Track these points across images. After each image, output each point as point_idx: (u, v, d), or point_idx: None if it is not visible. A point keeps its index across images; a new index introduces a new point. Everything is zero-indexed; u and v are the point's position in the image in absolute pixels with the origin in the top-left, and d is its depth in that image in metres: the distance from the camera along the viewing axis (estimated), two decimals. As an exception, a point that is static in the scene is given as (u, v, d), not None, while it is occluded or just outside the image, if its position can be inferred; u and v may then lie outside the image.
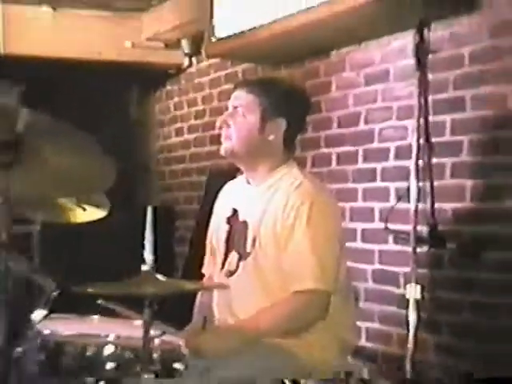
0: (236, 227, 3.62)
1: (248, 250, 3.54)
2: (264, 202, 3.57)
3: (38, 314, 3.33)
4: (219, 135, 3.69)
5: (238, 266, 3.57)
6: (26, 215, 3.90)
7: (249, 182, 3.71)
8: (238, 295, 3.55)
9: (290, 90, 3.83)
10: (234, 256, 3.59)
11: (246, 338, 3.39)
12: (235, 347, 3.35)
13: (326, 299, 3.41)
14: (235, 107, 3.62)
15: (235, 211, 3.65)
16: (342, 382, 3.30)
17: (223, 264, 3.63)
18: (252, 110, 3.60)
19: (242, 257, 3.56)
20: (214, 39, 5.37)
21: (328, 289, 3.39)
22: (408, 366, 3.47)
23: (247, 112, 3.60)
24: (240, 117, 3.60)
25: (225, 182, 3.93)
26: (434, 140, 3.63)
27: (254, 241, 3.53)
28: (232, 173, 3.85)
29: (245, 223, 3.58)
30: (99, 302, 3.28)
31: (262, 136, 3.60)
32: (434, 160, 3.65)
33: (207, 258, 3.87)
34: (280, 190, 3.55)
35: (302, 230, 3.40)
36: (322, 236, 3.44)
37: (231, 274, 3.59)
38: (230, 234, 3.64)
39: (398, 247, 4.47)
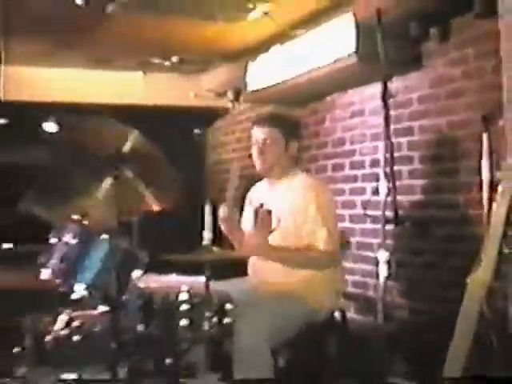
0: (262, 215, 3.56)
1: (274, 227, 3.50)
2: (281, 195, 3.54)
3: (136, 274, 3.33)
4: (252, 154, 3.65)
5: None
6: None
7: (269, 184, 3.66)
8: None
9: (295, 121, 3.79)
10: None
11: (283, 254, 3.39)
12: (274, 254, 3.38)
13: (335, 256, 3.42)
14: (265, 139, 3.51)
15: (260, 205, 3.59)
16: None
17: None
18: (278, 139, 3.53)
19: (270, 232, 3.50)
20: (248, 91, 5.33)
21: (335, 249, 3.40)
22: (380, 305, 3.49)
23: (275, 141, 3.52)
24: (270, 146, 3.51)
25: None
26: (395, 154, 3.63)
27: (278, 221, 3.49)
28: (260, 178, 3.83)
29: (269, 212, 3.54)
30: None
31: (286, 154, 3.56)
32: (396, 168, 3.62)
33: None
34: (292, 187, 3.51)
35: (313, 212, 3.36)
36: (328, 214, 3.41)
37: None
38: (258, 220, 3.58)
39: (373, 225, 4.44)
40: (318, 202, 3.39)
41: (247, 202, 3.84)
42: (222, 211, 3.62)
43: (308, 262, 3.38)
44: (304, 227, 3.39)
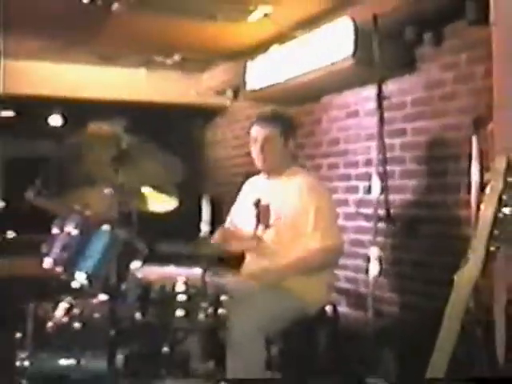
0: (262, 209, 3.56)
1: (271, 222, 3.51)
2: (281, 191, 3.54)
3: (135, 264, 3.30)
4: (250, 152, 3.67)
5: (263, 233, 3.53)
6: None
7: (268, 179, 3.66)
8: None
9: (292, 120, 3.80)
10: (261, 227, 3.55)
11: (282, 275, 3.36)
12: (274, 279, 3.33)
13: (334, 251, 3.42)
14: (266, 138, 3.53)
15: (259, 199, 3.58)
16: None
17: (255, 233, 3.57)
18: (278, 137, 3.55)
19: (267, 227, 3.52)
20: (246, 90, 5.34)
21: (338, 242, 3.42)
22: (369, 299, 3.51)
23: (275, 139, 3.54)
24: (271, 144, 3.54)
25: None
26: (388, 155, 3.66)
27: (276, 217, 3.50)
28: (256, 174, 3.84)
29: (267, 206, 3.54)
30: None
31: (285, 152, 3.58)
32: (388, 168, 3.65)
33: (227, 224, 3.86)
34: (292, 184, 3.51)
35: (315, 210, 3.37)
36: (329, 211, 3.45)
37: (259, 238, 3.55)
38: (258, 213, 3.57)
39: (365, 223, 4.43)
40: (319, 204, 3.40)
41: (243, 193, 3.85)
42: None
43: (310, 266, 3.38)
44: (302, 226, 3.40)
